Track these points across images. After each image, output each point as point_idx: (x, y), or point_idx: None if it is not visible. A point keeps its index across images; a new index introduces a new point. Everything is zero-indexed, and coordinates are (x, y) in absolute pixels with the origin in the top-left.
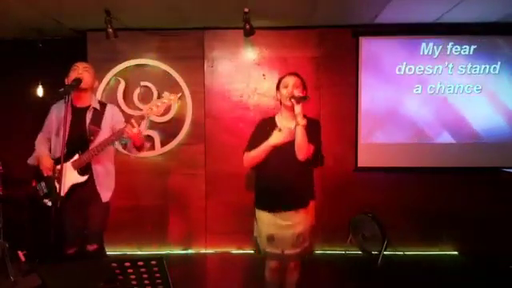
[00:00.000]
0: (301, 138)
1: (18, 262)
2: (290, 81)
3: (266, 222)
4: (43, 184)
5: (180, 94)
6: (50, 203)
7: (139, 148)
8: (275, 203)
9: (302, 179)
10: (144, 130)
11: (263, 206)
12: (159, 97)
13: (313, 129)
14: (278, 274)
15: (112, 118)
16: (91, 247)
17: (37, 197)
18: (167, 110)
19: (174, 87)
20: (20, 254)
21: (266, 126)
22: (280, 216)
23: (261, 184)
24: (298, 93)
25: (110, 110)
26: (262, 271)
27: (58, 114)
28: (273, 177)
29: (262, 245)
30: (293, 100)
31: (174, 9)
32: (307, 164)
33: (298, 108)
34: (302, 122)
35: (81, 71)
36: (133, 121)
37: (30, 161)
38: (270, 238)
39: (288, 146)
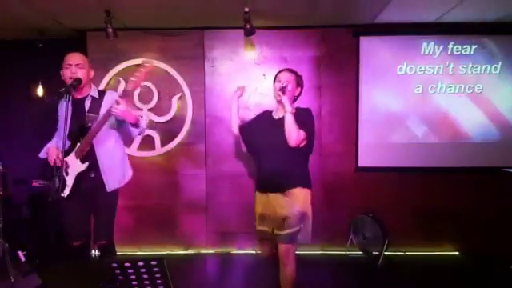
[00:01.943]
0: (289, 124)
1: (18, 263)
2: (283, 76)
3: (259, 201)
4: (56, 179)
5: (151, 64)
6: (64, 194)
7: (136, 125)
8: (264, 185)
9: (291, 165)
10: (131, 105)
11: (257, 187)
12: (159, 97)
13: (303, 117)
14: (271, 261)
15: (111, 103)
16: (100, 242)
17: (50, 193)
18: (148, 76)
19: (174, 87)
20: (20, 254)
21: (263, 115)
22: (269, 197)
23: (257, 167)
24: (280, 84)
25: (109, 96)
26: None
27: (60, 111)
28: (263, 161)
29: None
30: (279, 92)
31: (174, 8)
32: (301, 151)
33: (284, 98)
34: (289, 109)
35: (74, 70)
36: (117, 98)
37: (41, 154)
38: (262, 217)
39: (279, 133)
